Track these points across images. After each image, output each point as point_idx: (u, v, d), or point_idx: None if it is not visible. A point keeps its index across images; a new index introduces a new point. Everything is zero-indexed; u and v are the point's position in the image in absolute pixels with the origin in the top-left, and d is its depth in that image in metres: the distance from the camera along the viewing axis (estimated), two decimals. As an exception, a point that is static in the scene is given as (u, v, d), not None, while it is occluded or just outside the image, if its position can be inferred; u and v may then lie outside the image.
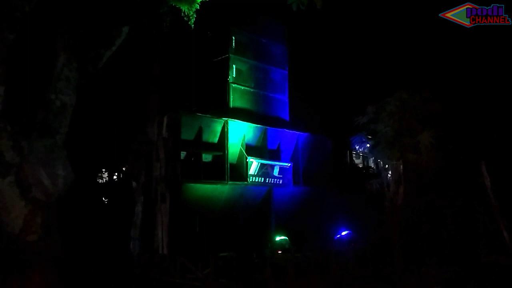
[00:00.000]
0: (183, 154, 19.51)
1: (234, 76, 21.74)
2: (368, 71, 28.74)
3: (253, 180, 20.46)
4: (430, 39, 25.38)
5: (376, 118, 20.30)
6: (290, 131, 23.11)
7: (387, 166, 20.88)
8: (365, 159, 29.83)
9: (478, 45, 21.62)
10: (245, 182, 20.21)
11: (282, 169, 21.80)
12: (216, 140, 20.22)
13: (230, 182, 19.59)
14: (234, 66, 21.81)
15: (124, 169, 23.87)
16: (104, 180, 25.91)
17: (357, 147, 23.29)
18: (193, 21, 9.56)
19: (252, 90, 22.57)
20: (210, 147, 20.03)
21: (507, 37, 18.62)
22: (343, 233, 21.07)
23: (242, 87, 22.10)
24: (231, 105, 21.37)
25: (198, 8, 9.51)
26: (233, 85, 21.64)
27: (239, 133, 20.69)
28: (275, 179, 21.43)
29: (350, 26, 29.35)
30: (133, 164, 20.38)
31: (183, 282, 14.76)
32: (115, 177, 25.29)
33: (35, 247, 6.74)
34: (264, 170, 20.94)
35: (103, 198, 24.23)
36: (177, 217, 17.79)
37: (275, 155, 22.46)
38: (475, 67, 22.70)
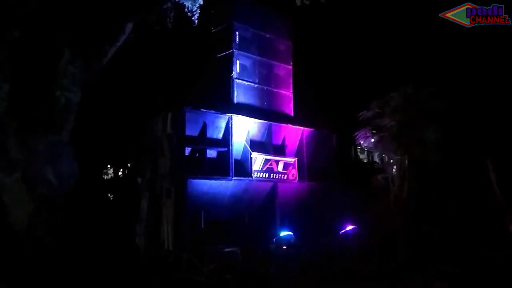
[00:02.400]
0: (187, 150, 19.54)
1: (238, 71, 21.69)
2: (372, 65, 28.60)
3: (258, 176, 20.46)
4: (435, 34, 25.19)
5: (381, 113, 20.23)
6: (295, 126, 23.06)
7: (392, 161, 20.83)
8: (370, 154, 29.74)
9: (484, 41, 21.46)
10: (250, 178, 20.22)
11: (286, 165, 21.79)
12: (220, 135, 20.24)
13: (234, 178, 19.62)
14: (238, 61, 21.74)
15: (129, 165, 23.97)
16: (110, 176, 26.03)
17: (362, 142, 23.20)
18: (196, 17, 9.56)
19: (256, 85, 22.52)
20: (214, 142, 20.04)
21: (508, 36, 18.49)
22: (348, 228, 21.06)
23: (246, 83, 22.05)
24: (235, 100, 21.35)
25: (202, 3, 9.50)
26: (237, 80, 21.60)
27: (244, 128, 20.68)
28: (280, 175, 21.42)
29: (355, 21, 29.19)
30: (138, 160, 20.49)
31: (188, 277, 14.85)
32: (120, 173, 25.40)
33: (41, 243, 6.80)
34: (269, 166, 20.94)
35: (109, 194, 24.36)
36: (182, 213, 17.86)
37: (279, 151, 22.44)
38: (481, 62, 22.54)
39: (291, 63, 24.35)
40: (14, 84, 6.92)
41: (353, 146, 28.11)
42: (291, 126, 22.93)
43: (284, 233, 19.41)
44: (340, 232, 20.79)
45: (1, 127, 6.53)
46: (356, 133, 21.75)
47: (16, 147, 6.64)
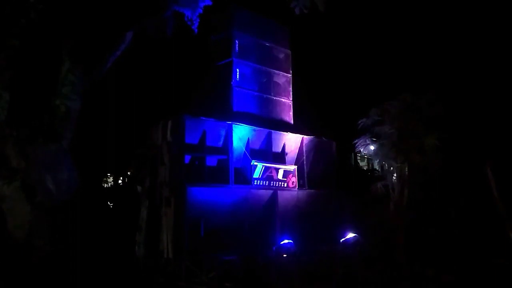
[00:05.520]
0: (187, 158, 19.53)
1: (238, 79, 21.76)
2: (371, 73, 28.73)
3: (258, 184, 20.44)
4: (432, 41, 25.34)
5: (380, 121, 20.29)
6: (295, 134, 23.09)
7: (392, 168, 20.85)
8: (369, 161, 29.78)
9: (483, 45, 21.57)
10: (250, 186, 20.20)
11: (286, 172, 21.77)
12: (220, 143, 20.24)
13: (234, 186, 19.60)
14: (237, 69, 21.82)
15: (129, 173, 23.97)
16: (110, 184, 26.00)
17: (361, 150, 23.25)
18: (196, 26, 9.63)
19: (256, 93, 22.58)
20: (214, 150, 20.04)
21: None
22: (349, 236, 20.99)
23: (246, 91, 22.13)
24: (235, 108, 21.39)
25: (201, 12, 9.58)
26: (237, 88, 21.67)
27: (243, 136, 20.70)
28: (280, 182, 21.40)
29: (353, 29, 29.38)
30: (138, 168, 20.46)
31: (188, 286, 14.79)
32: (120, 181, 25.38)
33: (41, 251, 6.78)
34: (269, 174, 20.93)
35: (109, 202, 24.31)
36: (181, 221, 17.80)
37: (279, 158, 22.43)
38: (479, 68, 22.62)
39: (291, 71, 24.44)
40: (14, 92, 6.94)
41: (353, 154, 28.18)
42: (291, 133, 22.94)
43: (284, 241, 19.34)
44: (341, 240, 20.71)
45: (1, 135, 6.54)
46: (355, 141, 21.80)
47: (16, 155, 6.64)
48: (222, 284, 14.40)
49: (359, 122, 21.03)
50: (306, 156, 23.38)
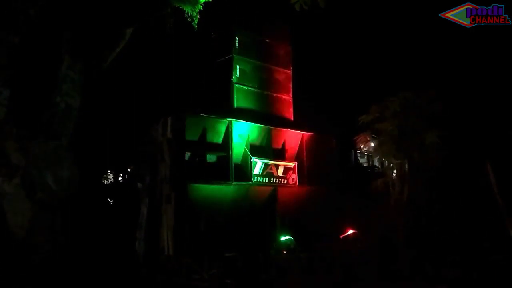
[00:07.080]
0: (187, 155, 19.53)
1: (238, 76, 21.76)
2: (371, 70, 28.66)
3: (258, 180, 20.46)
4: (433, 38, 25.29)
5: (381, 117, 20.26)
6: (295, 130, 23.09)
7: (392, 165, 20.84)
8: (370, 158, 29.74)
9: (484, 42, 21.52)
10: (250, 182, 20.21)
11: (286, 169, 21.80)
12: (220, 140, 20.25)
13: (234, 183, 19.63)
14: (237, 66, 21.83)
15: (129, 170, 23.95)
16: (110, 181, 25.97)
17: (361, 146, 23.22)
18: (196, 22, 9.60)
19: (256, 90, 22.58)
20: (214, 147, 20.06)
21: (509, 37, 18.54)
22: (349, 232, 21.01)
23: (246, 87, 22.12)
24: (235, 105, 21.40)
25: (201, 9, 9.55)
26: (237, 85, 21.67)
27: (243, 133, 20.71)
28: (280, 179, 21.43)
29: (354, 25, 29.29)
30: (138, 165, 20.47)
31: (188, 282, 14.80)
32: (120, 178, 25.36)
33: (41, 249, 6.78)
34: (269, 170, 20.95)
35: (109, 199, 24.29)
36: (182, 218, 17.84)
37: (279, 155, 22.46)
38: (480, 65, 22.59)
39: (291, 68, 24.42)
40: (14, 89, 6.93)
41: (353, 151, 28.11)
42: (291, 130, 22.95)
43: (284, 238, 19.38)
44: (341, 237, 20.73)
45: (1, 132, 6.54)
46: (356, 138, 21.76)
47: (16, 152, 6.63)
48: (222, 281, 14.42)
49: (360, 118, 20.99)
50: (306, 153, 23.41)
